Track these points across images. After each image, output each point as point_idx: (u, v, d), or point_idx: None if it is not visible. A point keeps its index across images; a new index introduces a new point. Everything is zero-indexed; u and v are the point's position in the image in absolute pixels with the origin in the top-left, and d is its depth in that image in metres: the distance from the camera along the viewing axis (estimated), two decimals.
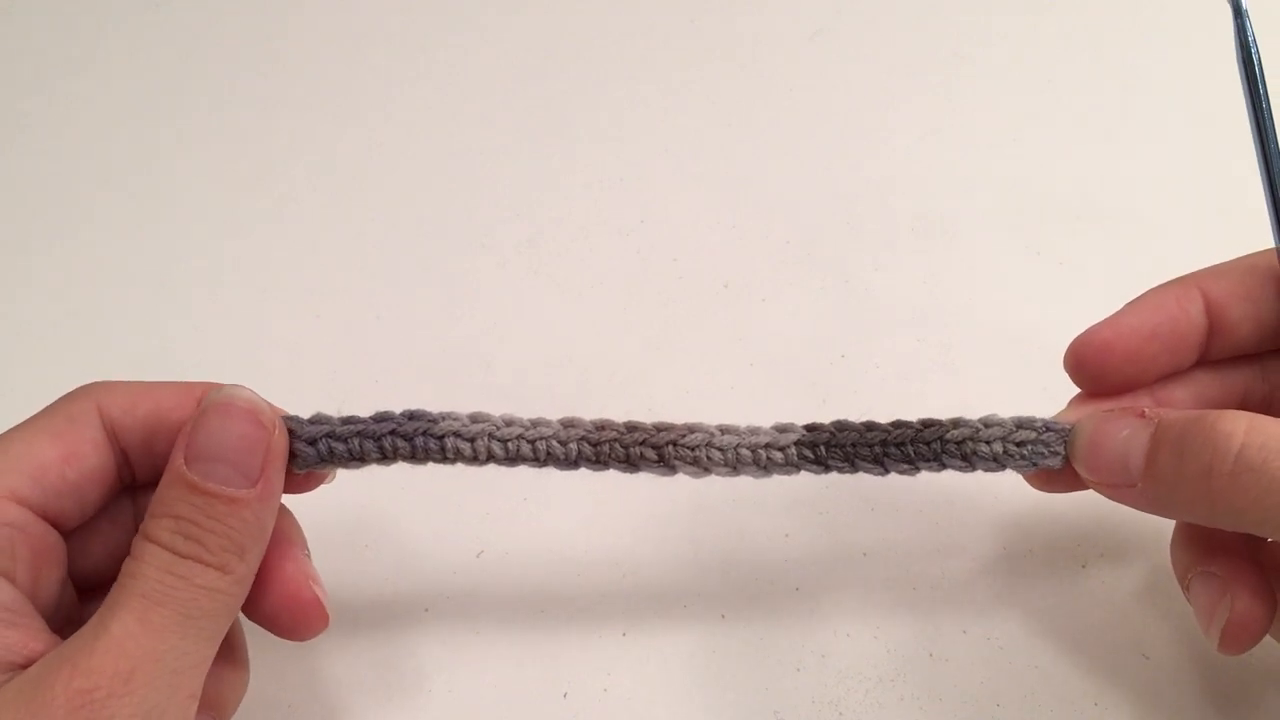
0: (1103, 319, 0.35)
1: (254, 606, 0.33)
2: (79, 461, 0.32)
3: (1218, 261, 0.36)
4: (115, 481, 0.33)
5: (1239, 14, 0.33)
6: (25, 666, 0.29)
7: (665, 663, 0.40)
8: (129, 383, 0.34)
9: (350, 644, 0.41)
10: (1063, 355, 0.36)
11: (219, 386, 0.33)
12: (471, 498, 0.43)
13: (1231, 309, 0.35)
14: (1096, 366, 0.35)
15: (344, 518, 0.43)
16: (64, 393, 0.34)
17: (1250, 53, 0.33)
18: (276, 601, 0.33)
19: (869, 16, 0.64)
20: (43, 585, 0.32)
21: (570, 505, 0.43)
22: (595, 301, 0.52)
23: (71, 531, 0.33)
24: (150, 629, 0.29)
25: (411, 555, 0.43)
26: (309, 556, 0.35)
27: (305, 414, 0.34)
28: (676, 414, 0.47)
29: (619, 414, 0.47)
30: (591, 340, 0.50)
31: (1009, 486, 0.38)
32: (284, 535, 0.34)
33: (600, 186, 0.57)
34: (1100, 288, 0.50)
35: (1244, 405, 0.37)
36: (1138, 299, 0.36)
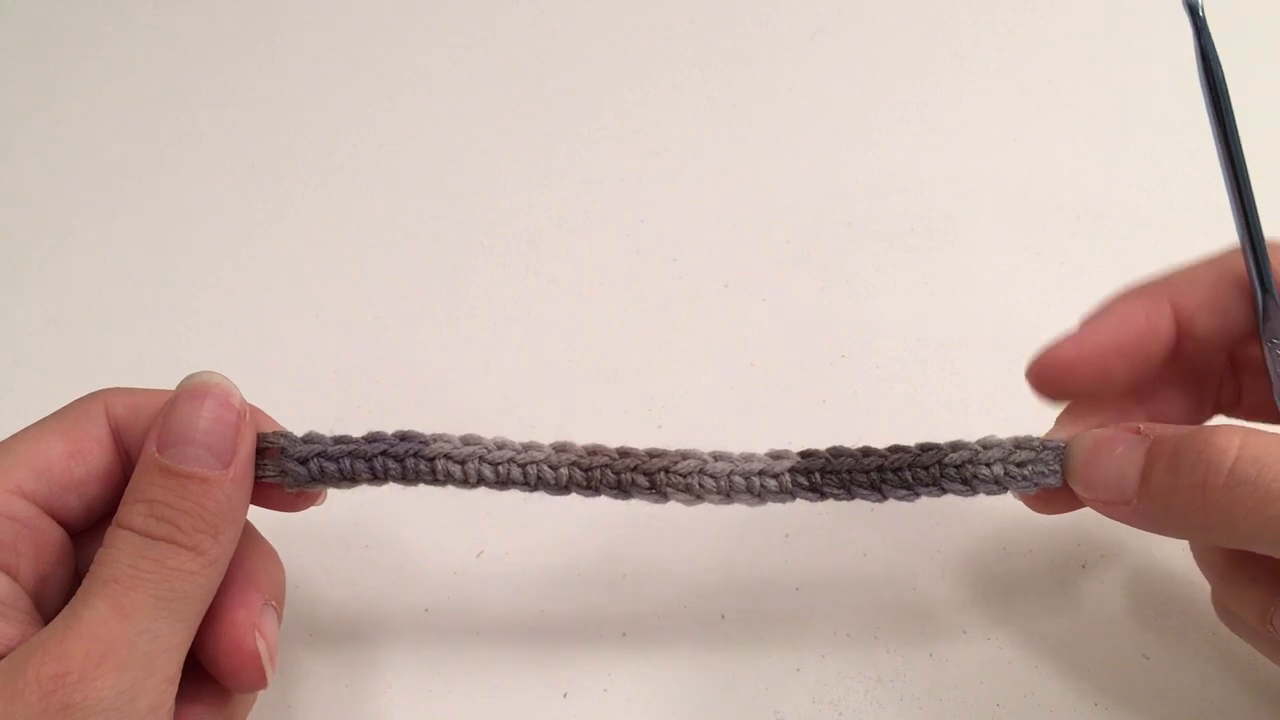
0: (1066, 333, 0.34)
1: (198, 644, 0.32)
2: (85, 458, 0.33)
3: None
4: (121, 479, 0.33)
5: (1200, 32, 0.32)
6: None
7: (665, 663, 0.40)
8: (137, 388, 0.34)
9: (350, 644, 0.41)
10: (1025, 369, 0.35)
11: (191, 373, 0.33)
12: (471, 498, 0.43)
13: (1201, 323, 0.34)
14: (1058, 385, 0.34)
15: (343, 518, 0.43)
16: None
17: (1211, 64, 0.32)
18: (215, 644, 0.32)
19: (869, 16, 0.64)
20: (49, 582, 0.32)
21: (570, 505, 0.43)
22: (595, 301, 0.52)
23: (79, 531, 0.34)
24: (122, 613, 0.29)
25: (411, 555, 0.43)
26: (276, 608, 0.34)
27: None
28: (676, 414, 0.47)
29: (618, 413, 0.47)
30: (591, 340, 0.50)
31: None
32: (250, 579, 0.33)
33: (600, 186, 0.57)
34: (1100, 288, 0.49)
35: (1214, 412, 0.37)
36: (1105, 309, 0.35)
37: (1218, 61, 0.32)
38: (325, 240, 0.55)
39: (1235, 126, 0.32)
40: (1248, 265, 0.33)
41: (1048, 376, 0.34)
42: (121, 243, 0.56)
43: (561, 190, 0.57)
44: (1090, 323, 0.35)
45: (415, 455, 0.34)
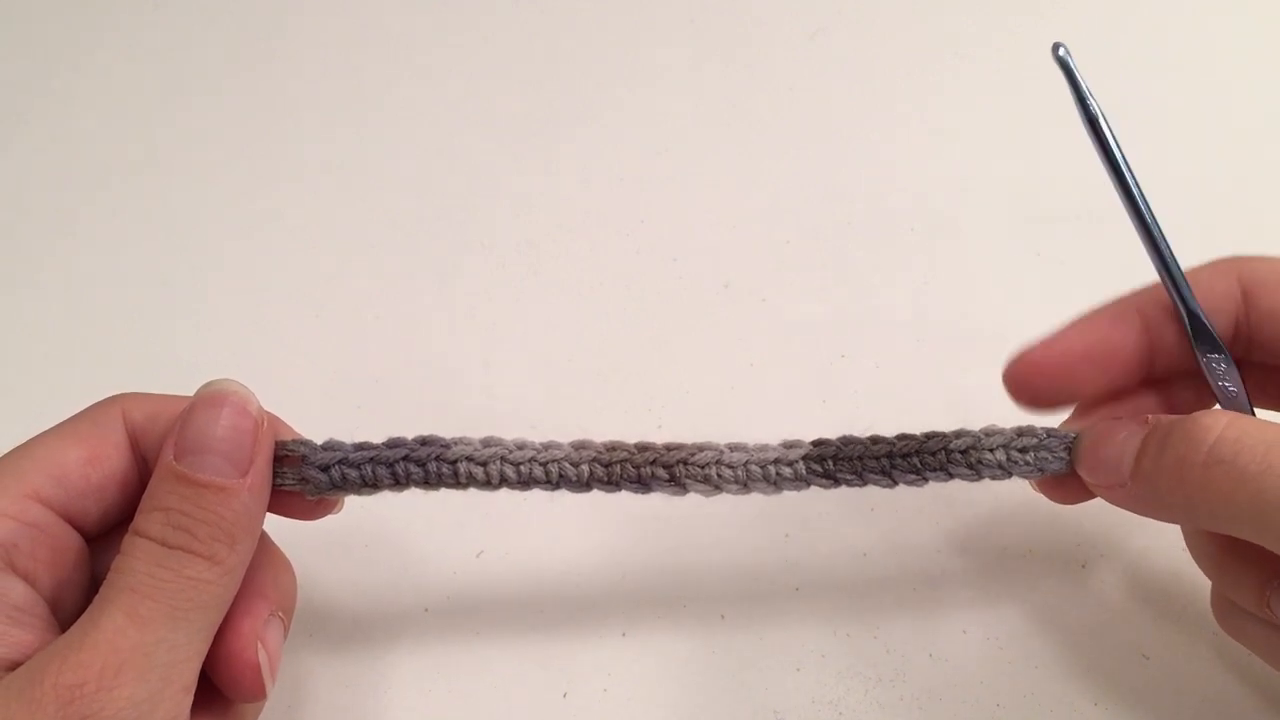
0: (1038, 339, 0.35)
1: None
2: (102, 464, 0.32)
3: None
4: (137, 486, 0.33)
5: (1073, 80, 0.32)
6: None
7: (665, 663, 0.40)
8: (155, 394, 0.34)
9: (350, 644, 0.41)
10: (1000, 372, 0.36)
11: (209, 381, 0.33)
12: (471, 498, 0.43)
13: (1168, 329, 0.35)
14: (1029, 386, 0.35)
15: (344, 517, 0.43)
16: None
17: (1089, 109, 0.32)
18: (216, 652, 0.32)
19: (869, 16, 0.64)
20: (65, 588, 0.32)
21: (570, 505, 0.43)
22: (595, 301, 0.52)
23: (96, 536, 0.33)
24: (139, 622, 0.29)
25: (411, 555, 0.43)
26: (283, 619, 0.34)
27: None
28: (677, 414, 0.47)
29: (619, 414, 0.47)
30: (591, 340, 0.50)
31: (1009, 486, 0.38)
32: (259, 588, 0.33)
33: (600, 186, 0.57)
34: (1100, 288, 0.49)
35: None
36: (1074, 320, 0.36)
37: (1097, 104, 0.32)
38: (325, 240, 0.55)
39: (1127, 164, 0.33)
40: (1167, 289, 0.34)
41: (1019, 378, 0.35)
42: (122, 243, 0.56)
43: (561, 190, 0.57)
44: (1059, 330, 0.36)
45: (438, 459, 0.34)
